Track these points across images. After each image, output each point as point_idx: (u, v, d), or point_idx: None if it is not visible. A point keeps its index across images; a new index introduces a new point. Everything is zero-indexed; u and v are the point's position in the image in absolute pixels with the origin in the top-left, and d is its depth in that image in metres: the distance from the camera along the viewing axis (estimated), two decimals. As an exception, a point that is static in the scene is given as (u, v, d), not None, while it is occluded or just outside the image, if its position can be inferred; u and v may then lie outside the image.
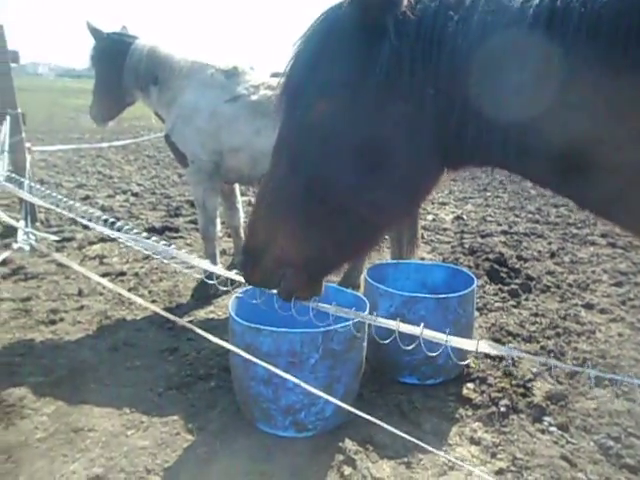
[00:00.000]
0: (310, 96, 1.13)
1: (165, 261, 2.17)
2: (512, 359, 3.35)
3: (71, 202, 2.74)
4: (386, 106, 1.09)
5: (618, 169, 0.93)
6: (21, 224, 3.90)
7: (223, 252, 5.14)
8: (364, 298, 2.89)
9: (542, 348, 3.52)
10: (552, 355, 3.43)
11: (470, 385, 3.07)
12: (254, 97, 3.83)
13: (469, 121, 1.04)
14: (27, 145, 5.72)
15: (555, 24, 0.91)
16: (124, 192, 7.91)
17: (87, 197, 7.43)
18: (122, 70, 3.91)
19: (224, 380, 3.00)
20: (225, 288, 2.02)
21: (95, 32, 4.03)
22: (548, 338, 3.66)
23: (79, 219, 2.73)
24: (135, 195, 7.74)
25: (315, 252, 1.25)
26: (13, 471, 2.33)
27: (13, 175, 3.90)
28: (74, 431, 2.61)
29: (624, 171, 0.93)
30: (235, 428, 2.67)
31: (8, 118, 5.13)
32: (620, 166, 0.93)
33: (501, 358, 3.35)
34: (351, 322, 2.54)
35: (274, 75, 4.27)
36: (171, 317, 2.53)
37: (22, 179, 4.14)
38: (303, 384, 1.86)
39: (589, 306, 4.19)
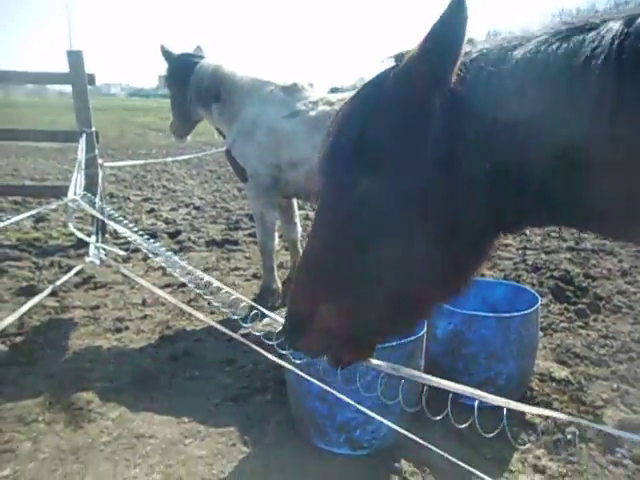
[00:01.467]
0: (355, 173, 1.08)
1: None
2: (578, 382, 3.18)
3: (131, 222, 2.87)
4: (437, 185, 1.03)
5: None
6: (92, 239, 4.11)
7: (280, 265, 5.19)
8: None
9: (613, 373, 3.31)
10: (624, 381, 3.21)
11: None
12: (312, 113, 3.88)
13: (527, 190, 1.00)
14: (99, 161, 6.05)
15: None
16: (187, 205, 8.20)
17: (152, 210, 7.76)
18: (188, 88, 4.11)
19: (280, 394, 3.02)
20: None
21: (167, 54, 4.27)
22: (620, 362, 3.43)
23: (136, 238, 2.84)
24: (197, 208, 8.00)
25: (360, 326, 1.20)
26: (80, 472, 2.44)
27: (88, 194, 4.15)
28: (136, 437, 2.70)
29: None
30: (290, 443, 2.67)
31: (84, 136, 5.46)
32: None
33: (567, 381, 3.18)
34: (408, 339, 2.50)
35: (333, 90, 4.33)
36: (226, 331, 2.57)
37: (94, 197, 4.41)
38: (360, 406, 1.83)
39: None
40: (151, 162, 9.70)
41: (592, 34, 0.91)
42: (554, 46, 0.94)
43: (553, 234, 6.75)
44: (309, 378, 2.09)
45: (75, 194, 3.51)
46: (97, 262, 3.15)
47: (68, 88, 5.70)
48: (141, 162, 8.50)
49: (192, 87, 4.12)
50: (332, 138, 1.14)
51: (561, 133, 0.92)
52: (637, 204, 0.90)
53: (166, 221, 7.16)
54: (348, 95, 4.00)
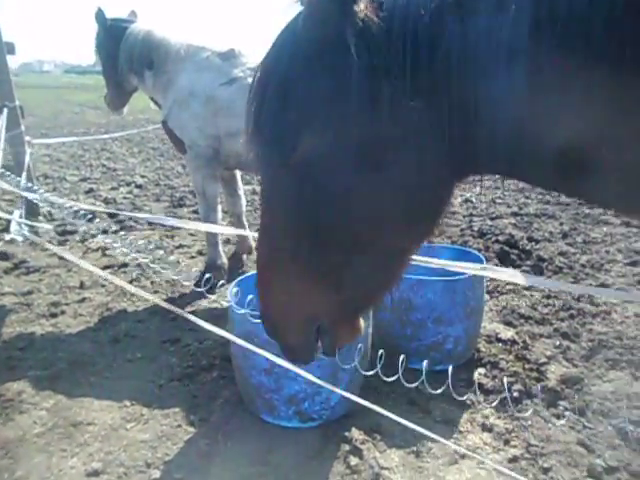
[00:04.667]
0: (288, 137, 0.97)
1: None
2: (523, 342, 3.24)
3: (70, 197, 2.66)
4: (376, 130, 0.93)
5: (620, 170, 0.85)
6: (15, 215, 3.82)
7: (227, 241, 5.05)
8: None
9: (555, 330, 3.39)
10: (566, 338, 3.30)
11: (481, 370, 2.96)
12: (251, 79, 3.70)
13: (466, 127, 0.91)
14: (27, 138, 5.66)
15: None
16: (128, 184, 7.84)
17: (91, 190, 7.37)
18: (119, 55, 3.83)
19: (227, 370, 2.92)
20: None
21: (99, 17, 3.94)
22: (562, 320, 3.53)
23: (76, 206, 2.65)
24: (139, 187, 7.66)
25: (346, 293, 1.10)
26: (10, 467, 2.27)
27: (5, 172, 3.84)
28: (73, 425, 2.54)
29: (627, 172, 0.84)
30: (238, 419, 2.59)
31: (5, 111, 5.06)
32: (622, 168, 0.84)
33: (513, 341, 3.24)
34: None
35: None
36: (172, 308, 2.45)
37: (14, 174, 4.09)
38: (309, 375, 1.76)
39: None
40: (87, 139, 9.20)
41: None
42: None
43: (498, 200, 6.89)
44: (256, 349, 2.00)
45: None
46: (19, 239, 2.90)
47: None
48: (75, 139, 8.04)
49: (123, 54, 3.84)
50: (256, 102, 1.02)
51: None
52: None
53: (105, 201, 6.82)
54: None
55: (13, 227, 3.11)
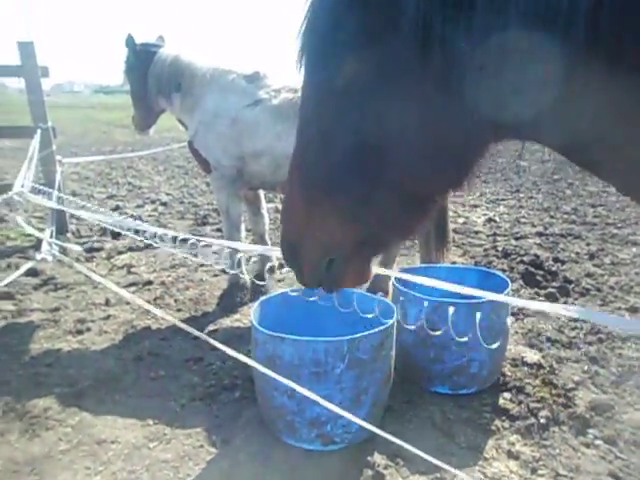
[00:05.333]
0: (333, 58, 0.98)
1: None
2: (550, 366, 3.17)
3: (98, 210, 2.72)
4: (421, 67, 0.93)
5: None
6: (46, 234, 3.92)
7: (248, 259, 5.07)
8: (392, 304, 2.77)
9: (584, 355, 3.31)
10: (595, 362, 3.22)
11: (506, 395, 2.90)
12: (275, 101, 3.76)
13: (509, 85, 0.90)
14: (57, 158, 5.81)
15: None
16: (153, 202, 7.98)
17: (117, 207, 7.52)
18: (146, 78, 3.95)
19: (249, 391, 2.92)
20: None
21: (129, 42, 4.08)
22: (590, 344, 3.44)
23: (108, 226, 2.71)
24: (164, 204, 7.79)
25: (364, 231, 1.12)
26: (36, 484, 2.30)
27: (39, 187, 3.95)
28: (97, 443, 2.56)
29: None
30: (260, 440, 2.58)
31: (39, 132, 5.22)
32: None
33: (539, 365, 3.17)
34: (378, 329, 2.43)
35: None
36: (192, 330, 2.46)
37: (50, 190, 4.21)
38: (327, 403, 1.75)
39: (633, 309, 3.95)
40: (114, 157, 9.41)
41: None
42: None
43: (523, 220, 6.80)
44: (272, 374, 2.00)
45: (22, 186, 3.32)
46: (50, 259, 2.98)
47: (13, 83, 5.45)
48: (103, 158, 8.25)
49: (152, 78, 3.97)
50: (307, 23, 1.02)
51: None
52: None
53: (132, 218, 6.94)
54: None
55: (44, 247, 3.21)
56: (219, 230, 6.20)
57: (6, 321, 3.86)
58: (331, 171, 1.06)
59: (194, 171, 10.98)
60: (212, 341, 2.26)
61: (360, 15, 0.94)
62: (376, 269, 1.61)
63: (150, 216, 7.09)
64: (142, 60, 4.08)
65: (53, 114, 6.21)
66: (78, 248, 3.68)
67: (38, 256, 2.89)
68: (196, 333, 2.33)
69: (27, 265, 2.60)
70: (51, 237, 3.72)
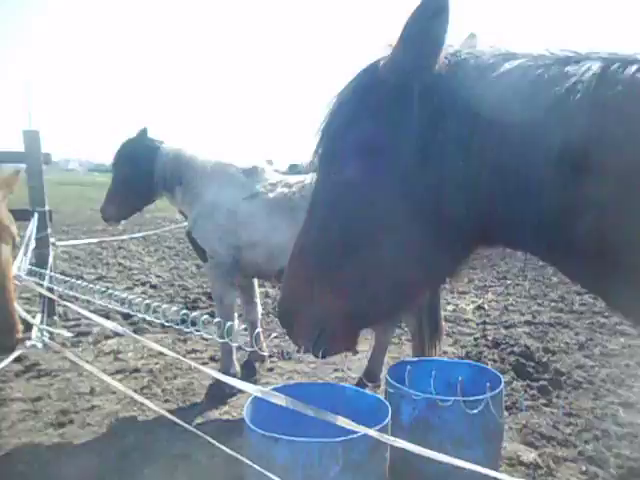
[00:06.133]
0: (345, 155, 1.15)
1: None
2: (547, 466, 3.10)
3: (89, 296, 2.73)
4: (418, 172, 1.09)
5: None
6: (37, 320, 3.89)
7: (239, 348, 5.02)
8: (385, 402, 2.74)
9: (580, 454, 3.25)
10: (592, 462, 3.15)
11: (504, 498, 2.80)
12: (271, 195, 3.92)
13: (496, 200, 1.04)
14: (52, 240, 5.88)
15: None
16: (143, 284, 7.97)
17: (107, 289, 7.48)
18: (147, 173, 4.07)
19: (238, 492, 2.80)
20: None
21: (142, 135, 4.19)
22: (586, 442, 3.39)
23: (93, 316, 2.71)
24: (153, 287, 7.78)
25: (354, 307, 1.24)
26: None
27: (34, 268, 3.97)
28: None
29: None
30: None
31: (36, 215, 5.32)
32: None
33: (536, 465, 3.10)
34: (373, 429, 2.39)
35: (292, 167, 4.42)
36: (182, 423, 2.42)
37: (43, 271, 4.22)
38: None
39: (627, 405, 3.93)
40: (106, 240, 9.48)
41: (573, 68, 0.98)
42: (541, 71, 1.01)
43: (511, 308, 6.87)
44: (269, 474, 1.94)
45: (19, 268, 3.34)
46: (40, 346, 2.95)
47: (22, 165, 5.61)
48: (95, 240, 8.32)
49: (157, 173, 4.09)
50: (326, 122, 1.20)
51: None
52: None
53: (121, 301, 6.89)
54: (305, 177, 4.03)
55: (35, 333, 3.20)
56: (210, 314, 6.14)
57: (-16, 412, 3.72)
58: (327, 251, 1.21)
59: (184, 252, 11.06)
60: (204, 436, 2.21)
61: (367, 126, 1.13)
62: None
63: (139, 298, 7.04)
64: (142, 154, 4.17)
65: (46, 191, 6.29)
66: (68, 334, 3.64)
67: (28, 343, 2.86)
68: (187, 427, 2.29)
69: (16, 353, 2.58)
70: (41, 323, 3.69)
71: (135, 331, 5.63)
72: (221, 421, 3.70)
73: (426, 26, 1.02)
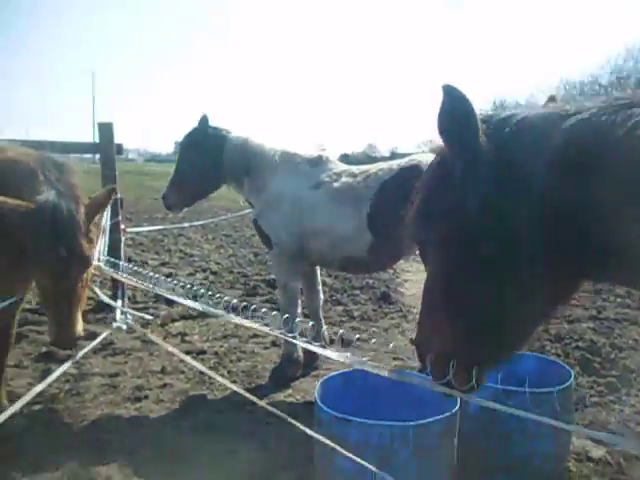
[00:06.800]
0: (434, 221, 1.38)
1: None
2: (617, 463, 3.04)
3: (161, 279, 2.91)
4: (493, 235, 1.26)
5: None
6: (119, 303, 4.14)
7: (300, 334, 5.14)
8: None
9: (653, 452, 3.16)
10: (666, 462, 3.06)
11: (573, 493, 2.79)
12: (336, 184, 3.98)
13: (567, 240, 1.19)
14: (122, 227, 6.19)
15: None
16: (204, 270, 8.25)
17: (170, 275, 7.80)
18: (215, 161, 4.18)
19: (306, 471, 2.91)
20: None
21: (203, 122, 4.20)
22: (658, 441, 3.29)
23: (173, 297, 2.86)
24: (214, 274, 8.04)
25: (480, 350, 1.42)
26: None
27: (111, 259, 4.21)
28: (158, 517, 2.59)
29: None
30: (317, 525, 2.55)
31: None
32: None
33: (606, 462, 3.04)
34: (443, 416, 2.43)
35: (343, 157, 4.46)
36: (256, 400, 2.51)
37: (118, 261, 4.47)
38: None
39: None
40: (170, 227, 9.88)
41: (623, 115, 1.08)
42: (607, 117, 1.11)
43: (574, 302, 6.67)
44: (344, 452, 2.02)
45: (99, 260, 3.56)
46: (124, 327, 3.17)
47: (87, 155, 5.93)
48: (160, 227, 8.68)
49: (226, 162, 4.17)
50: (418, 196, 1.49)
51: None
52: None
53: (184, 286, 7.18)
54: (370, 167, 4.07)
55: (118, 316, 3.44)
56: (268, 302, 6.33)
57: (69, 384, 4.00)
58: (444, 296, 1.40)
59: (242, 240, 11.34)
60: (282, 415, 2.30)
61: (445, 196, 1.35)
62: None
63: (201, 284, 7.32)
64: (210, 143, 4.22)
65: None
66: (149, 317, 3.88)
67: (114, 325, 3.08)
68: (261, 404, 2.40)
69: (105, 333, 2.79)
70: (122, 306, 3.93)
71: (199, 315, 5.88)
72: (285, 404, 3.83)
73: (458, 127, 1.24)
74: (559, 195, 1.15)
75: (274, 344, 4.99)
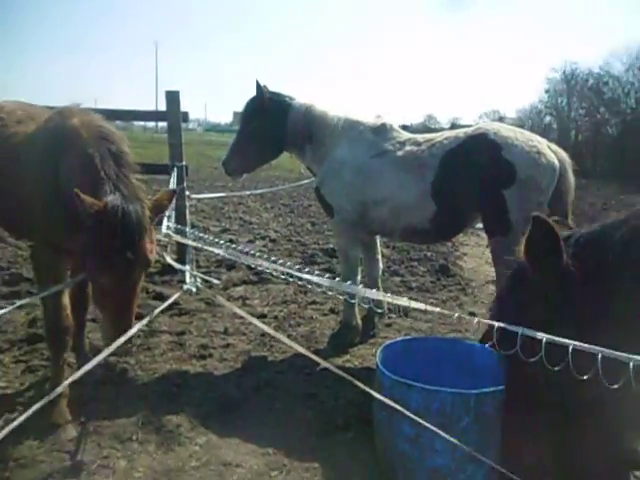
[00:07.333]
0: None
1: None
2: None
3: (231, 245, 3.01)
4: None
5: None
6: (187, 267, 4.33)
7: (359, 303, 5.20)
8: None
9: None
10: None
11: None
12: (399, 153, 3.94)
13: None
14: (187, 193, 6.40)
15: None
16: (263, 238, 8.43)
17: (231, 241, 8.02)
18: (279, 128, 4.18)
19: (363, 433, 2.99)
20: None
21: (261, 90, 4.17)
22: None
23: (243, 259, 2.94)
24: (273, 241, 8.21)
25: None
26: (172, 495, 2.51)
27: (178, 226, 4.38)
28: (223, 464, 2.75)
29: None
30: (375, 484, 2.63)
31: (175, 169, 5.81)
32: None
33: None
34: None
35: (403, 127, 4.35)
36: (320, 360, 2.57)
37: (184, 228, 4.65)
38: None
39: None
40: (230, 195, 10.12)
41: None
42: None
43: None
44: (409, 414, 2.05)
45: (167, 227, 3.71)
46: (194, 290, 3.31)
47: (150, 123, 6.09)
48: (222, 195, 8.90)
49: (288, 129, 4.15)
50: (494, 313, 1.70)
51: None
52: None
53: (245, 253, 7.38)
54: (434, 136, 3.98)
55: (188, 279, 3.60)
56: (326, 270, 6.40)
57: (140, 340, 4.25)
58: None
59: (299, 210, 11.47)
60: (343, 374, 2.35)
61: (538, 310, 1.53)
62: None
63: (261, 251, 7.48)
64: (272, 109, 4.20)
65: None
66: (216, 282, 4.03)
67: (185, 287, 3.23)
68: (325, 364, 2.46)
69: (176, 295, 2.94)
70: (192, 270, 4.12)
71: (259, 281, 6.05)
72: (343, 369, 3.89)
73: (541, 251, 1.47)
74: None
75: (332, 311, 5.07)
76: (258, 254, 2.95)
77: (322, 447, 2.92)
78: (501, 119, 30.62)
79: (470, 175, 3.65)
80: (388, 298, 2.27)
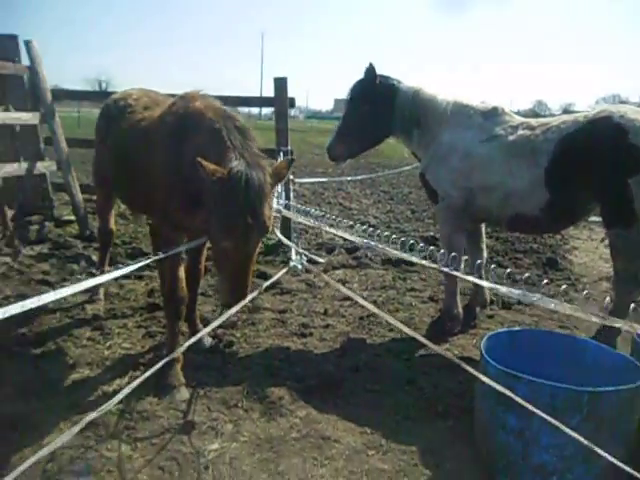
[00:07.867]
0: None
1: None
2: None
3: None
4: None
5: None
6: (294, 245, 4.50)
7: (461, 292, 5.08)
8: (635, 362, 2.54)
9: None
10: None
11: None
12: (511, 137, 3.75)
13: None
14: (291, 177, 6.60)
15: None
16: (362, 223, 8.43)
17: (331, 225, 8.15)
18: (386, 112, 4.13)
19: (462, 422, 2.95)
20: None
21: (370, 72, 4.10)
22: None
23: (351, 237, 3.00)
24: (373, 227, 8.19)
25: None
26: (275, 460, 2.65)
27: (288, 202, 4.54)
28: (322, 438, 2.84)
29: None
30: (472, 475, 2.59)
31: (281, 154, 6.01)
32: None
33: None
34: (625, 387, 2.26)
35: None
36: (429, 344, 2.55)
37: (295, 204, 4.82)
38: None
39: None
40: (331, 180, 10.26)
41: None
42: None
43: None
44: (520, 401, 1.99)
45: (278, 204, 3.87)
46: (299, 267, 3.43)
47: (254, 110, 6.29)
48: (323, 180, 9.05)
49: (396, 113, 4.08)
50: None
51: None
52: None
53: (344, 237, 7.47)
54: (550, 120, 3.75)
55: (294, 256, 3.74)
56: (425, 258, 6.29)
57: (245, 315, 4.49)
58: None
59: (399, 197, 11.35)
60: (451, 357, 2.33)
61: None
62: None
63: (360, 237, 7.53)
64: (380, 93, 4.12)
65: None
66: (321, 260, 4.13)
67: (291, 264, 3.36)
68: (434, 348, 2.44)
69: (283, 271, 3.05)
70: (298, 247, 4.27)
71: (358, 265, 6.11)
72: (442, 357, 3.84)
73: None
74: None
75: (431, 299, 5.00)
76: (376, 239, 2.93)
77: (420, 432, 2.92)
78: (622, 104, 27.93)
79: (590, 161, 3.40)
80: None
